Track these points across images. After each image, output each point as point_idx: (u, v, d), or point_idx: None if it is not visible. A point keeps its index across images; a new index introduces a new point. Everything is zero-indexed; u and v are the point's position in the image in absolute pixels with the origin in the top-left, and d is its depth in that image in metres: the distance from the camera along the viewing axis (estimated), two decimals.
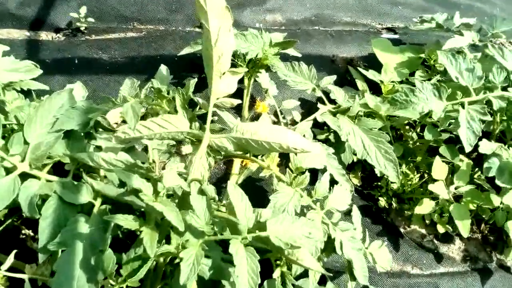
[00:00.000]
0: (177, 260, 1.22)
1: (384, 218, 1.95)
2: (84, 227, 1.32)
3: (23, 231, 1.69)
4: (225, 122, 1.54)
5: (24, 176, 1.36)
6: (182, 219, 1.18)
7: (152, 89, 1.60)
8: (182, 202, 1.27)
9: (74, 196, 1.36)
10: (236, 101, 1.35)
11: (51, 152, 1.39)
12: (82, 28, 2.36)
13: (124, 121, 1.66)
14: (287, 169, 1.48)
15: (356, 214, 1.53)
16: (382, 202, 1.94)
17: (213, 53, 1.26)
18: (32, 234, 1.68)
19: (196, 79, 1.57)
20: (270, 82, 1.90)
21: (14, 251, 1.46)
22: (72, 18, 2.36)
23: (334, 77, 2.01)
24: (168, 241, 1.24)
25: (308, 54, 2.30)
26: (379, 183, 1.99)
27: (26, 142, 1.39)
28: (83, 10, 2.32)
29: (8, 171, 1.35)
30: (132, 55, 2.22)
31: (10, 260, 1.44)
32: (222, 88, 1.30)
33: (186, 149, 1.41)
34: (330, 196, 1.44)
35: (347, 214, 1.66)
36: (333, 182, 1.61)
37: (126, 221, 1.21)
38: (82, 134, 1.46)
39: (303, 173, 1.45)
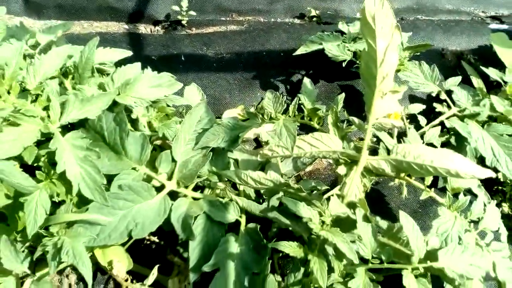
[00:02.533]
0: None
1: (508, 224, 1.89)
2: (234, 246, 1.31)
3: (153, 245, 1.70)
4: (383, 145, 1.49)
5: (171, 195, 1.35)
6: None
7: (301, 105, 1.55)
8: (342, 226, 1.24)
9: (222, 214, 1.34)
10: (399, 123, 1.30)
11: (200, 171, 1.37)
12: (183, 21, 2.32)
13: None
14: (447, 192, 1.43)
15: (503, 232, 1.48)
16: (505, 208, 1.88)
17: (378, 74, 1.21)
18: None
19: (344, 94, 1.51)
20: (396, 86, 1.83)
21: (157, 265, 1.47)
22: (172, 11, 2.32)
23: (459, 78, 1.93)
24: (329, 268, 1.22)
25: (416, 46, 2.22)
26: (501, 188, 1.92)
27: (173, 160, 1.37)
28: (185, 2, 2.28)
29: (157, 190, 1.34)
30: (237, 51, 2.17)
31: (153, 275, 1.45)
32: (383, 108, 1.25)
33: (340, 170, 1.36)
34: (484, 216, 1.39)
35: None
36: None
37: (291, 248, 1.19)
38: (226, 150, 1.43)
39: (458, 193, 1.41)
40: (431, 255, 1.17)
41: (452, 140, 1.91)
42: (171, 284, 1.45)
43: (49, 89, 1.31)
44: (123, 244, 1.49)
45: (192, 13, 2.30)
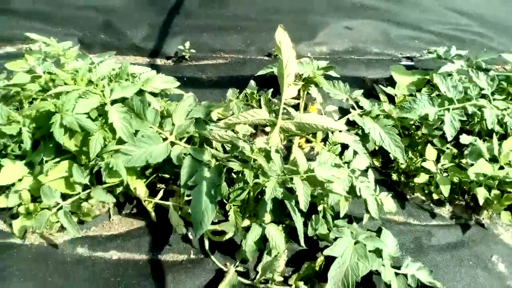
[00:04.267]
0: (263, 192, 2.14)
1: (395, 189, 2.80)
2: (207, 173, 2.24)
3: (158, 185, 2.63)
4: (289, 114, 2.45)
5: (171, 144, 2.31)
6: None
7: (246, 94, 2.55)
8: (266, 157, 2.18)
9: (201, 155, 2.29)
10: (296, 101, 2.23)
11: (188, 130, 2.34)
12: (186, 56, 3.36)
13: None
14: (327, 142, 2.39)
15: (371, 174, 2.41)
16: (394, 176, 2.80)
17: (284, 73, 2.17)
18: (164, 187, 2.62)
19: (272, 89, 2.47)
20: (318, 93, 2.82)
21: (163, 189, 2.42)
22: (179, 49, 3.37)
23: (361, 91, 2.91)
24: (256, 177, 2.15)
25: (345, 75, 3.20)
26: (392, 165, 2.85)
27: (173, 124, 2.35)
28: (187, 44, 3.32)
29: (163, 140, 2.30)
30: (222, 75, 3.17)
31: (160, 194, 2.41)
32: (289, 93, 2.21)
33: (267, 129, 2.28)
34: (354, 160, 2.33)
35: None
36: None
37: (235, 165, 2.14)
38: (204, 120, 2.41)
39: (335, 145, 2.37)
40: (312, 171, 2.10)
41: (360, 132, 2.87)
42: (171, 200, 2.38)
43: (104, 81, 2.31)
44: (143, 178, 2.45)
45: (193, 51, 3.34)
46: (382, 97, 3.08)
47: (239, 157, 2.21)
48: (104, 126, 2.24)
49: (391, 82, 3.23)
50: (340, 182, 2.14)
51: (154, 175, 2.53)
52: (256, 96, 2.55)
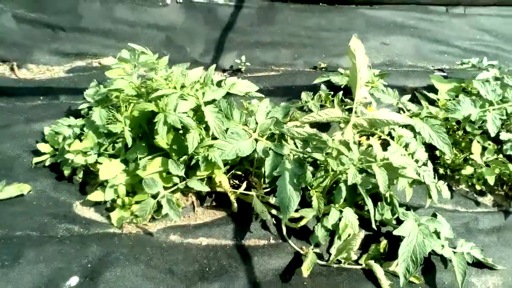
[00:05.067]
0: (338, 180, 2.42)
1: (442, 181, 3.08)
2: (288, 165, 2.50)
3: (231, 181, 2.89)
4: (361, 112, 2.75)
5: (255, 141, 2.59)
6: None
7: (319, 95, 2.86)
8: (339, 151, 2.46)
9: (281, 150, 2.56)
10: (368, 100, 2.53)
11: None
12: (242, 69, 3.66)
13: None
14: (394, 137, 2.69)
15: (430, 164, 2.68)
16: (441, 170, 3.08)
17: (358, 76, 2.47)
18: (237, 182, 2.88)
19: (342, 92, 2.77)
20: (371, 98, 3.11)
21: (245, 182, 2.69)
22: (235, 63, 3.66)
23: (408, 96, 3.20)
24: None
25: (389, 85, 3.50)
26: (438, 160, 3.14)
27: (256, 123, 2.62)
28: (243, 57, 3.62)
29: (248, 137, 2.57)
30: (277, 85, 3.47)
31: (243, 186, 2.67)
32: (361, 94, 2.50)
33: (341, 125, 2.58)
34: (416, 152, 2.61)
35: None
36: None
37: (318, 155, 2.41)
38: (282, 119, 2.69)
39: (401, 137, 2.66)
40: (387, 159, 2.38)
41: None
42: (253, 191, 2.65)
43: (197, 86, 2.59)
44: (226, 173, 2.71)
45: (248, 64, 3.64)
46: (423, 102, 3.37)
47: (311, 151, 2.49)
48: (199, 124, 2.51)
49: (428, 90, 3.54)
50: (411, 167, 2.42)
51: (231, 171, 2.80)
52: (329, 97, 2.86)
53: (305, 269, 2.37)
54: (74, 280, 2.29)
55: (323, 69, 3.81)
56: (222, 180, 2.63)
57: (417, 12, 4.43)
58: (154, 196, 2.43)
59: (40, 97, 3.26)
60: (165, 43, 3.63)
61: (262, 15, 4.18)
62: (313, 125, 2.71)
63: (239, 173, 2.85)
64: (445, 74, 3.81)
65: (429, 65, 3.97)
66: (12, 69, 3.56)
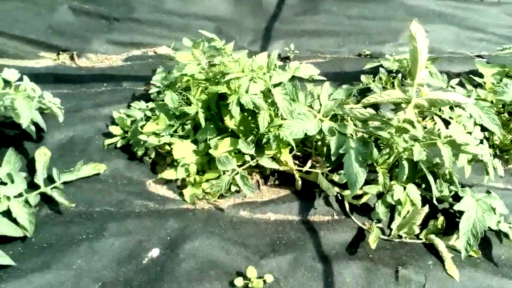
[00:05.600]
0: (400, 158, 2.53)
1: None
2: (352, 143, 2.61)
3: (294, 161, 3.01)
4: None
5: (320, 121, 2.71)
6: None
7: (380, 78, 2.97)
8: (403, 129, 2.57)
9: (344, 129, 2.67)
10: (426, 81, 2.65)
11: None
12: (291, 57, 3.77)
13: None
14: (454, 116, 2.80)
15: (485, 143, 2.80)
16: (490, 151, 3.19)
17: (419, 58, 2.58)
18: (297, 162, 3.00)
19: (400, 74, 2.88)
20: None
21: (310, 161, 2.81)
22: (283, 50, 3.78)
23: (457, 79, 3.31)
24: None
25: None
26: (488, 142, 3.24)
27: (320, 104, 2.74)
28: (292, 45, 3.74)
29: (313, 117, 2.69)
30: (326, 71, 3.56)
31: (308, 164, 2.79)
32: (421, 75, 2.61)
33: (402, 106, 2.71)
34: (474, 131, 2.73)
35: None
36: None
37: (384, 133, 2.52)
38: (343, 101, 2.81)
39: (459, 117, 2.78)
40: (450, 136, 2.49)
41: None
42: (318, 169, 2.77)
43: (264, 69, 2.71)
44: (290, 152, 2.83)
45: (296, 51, 3.75)
46: (468, 86, 3.48)
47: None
48: (269, 104, 2.63)
49: (472, 75, 3.64)
50: (473, 145, 2.53)
51: (292, 152, 2.91)
52: (390, 79, 2.98)
53: (372, 242, 2.48)
54: (155, 251, 2.41)
55: (368, 56, 3.93)
56: (288, 159, 2.75)
57: (454, 1, 4.56)
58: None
59: (104, 83, 3.39)
60: (214, 33, 3.73)
61: (307, 5, 4.32)
62: None
63: (299, 154, 2.97)
64: (485, 60, 3.91)
65: (468, 51, 4.08)
66: (72, 58, 3.69)
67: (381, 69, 3.23)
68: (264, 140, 2.62)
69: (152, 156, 2.86)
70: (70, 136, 2.95)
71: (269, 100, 2.65)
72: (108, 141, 2.93)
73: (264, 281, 2.28)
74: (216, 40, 2.76)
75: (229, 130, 2.79)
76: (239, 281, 2.26)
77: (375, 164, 2.57)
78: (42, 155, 2.64)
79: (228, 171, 2.60)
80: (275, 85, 2.64)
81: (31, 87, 2.45)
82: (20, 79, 2.46)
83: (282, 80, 2.67)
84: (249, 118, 2.75)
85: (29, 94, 2.41)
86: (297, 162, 2.97)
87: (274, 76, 2.65)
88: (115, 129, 2.93)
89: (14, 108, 2.43)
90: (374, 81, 3.05)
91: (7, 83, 2.39)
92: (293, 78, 2.76)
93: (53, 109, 2.60)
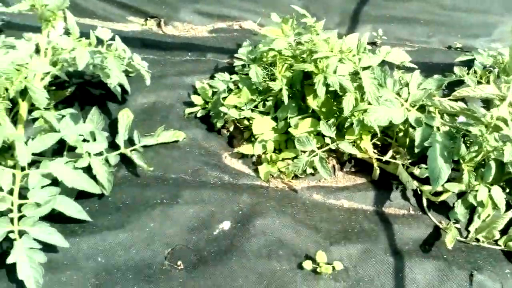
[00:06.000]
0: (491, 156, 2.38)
1: None
2: (438, 137, 2.48)
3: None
4: None
5: (406, 110, 2.59)
6: None
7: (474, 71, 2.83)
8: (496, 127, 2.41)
9: (431, 121, 2.54)
10: None
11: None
12: (378, 43, 3.65)
13: None
14: None
15: None
16: None
17: None
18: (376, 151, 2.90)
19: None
20: None
21: (391, 150, 2.70)
22: (371, 35, 3.65)
23: None
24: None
25: None
26: None
27: (408, 93, 2.62)
28: (380, 31, 3.61)
29: (400, 106, 2.58)
30: (413, 61, 3.42)
31: (390, 153, 2.69)
32: None
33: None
34: None
35: None
36: None
37: (475, 129, 2.38)
38: (432, 91, 2.67)
39: None
40: None
41: None
42: (398, 160, 2.66)
43: (353, 51, 2.61)
44: (371, 140, 2.73)
45: (384, 37, 3.62)
46: None
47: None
48: (355, 89, 2.55)
49: None
50: None
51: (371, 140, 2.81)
52: (486, 73, 2.82)
53: (449, 242, 2.36)
54: (226, 224, 2.40)
55: (458, 49, 3.74)
56: (368, 147, 2.66)
57: None
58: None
59: (188, 53, 3.39)
60: None
61: None
62: None
63: (377, 143, 2.86)
64: None
65: None
66: (159, 25, 3.73)
67: (476, 62, 3.06)
68: (347, 124, 2.54)
69: (231, 129, 2.84)
70: (153, 102, 2.97)
71: (355, 84, 2.54)
72: (188, 110, 2.93)
73: (333, 268, 2.23)
74: (307, 17, 2.68)
75: (310, 110, 2.73)
76: (307, 264, 2.22)
77: (461, 161, 2.44)
78: (125, 117, 2.66)
79: (306, 152, 2.55)
80: (364, 68, 2.55)
81: (122, 48, 2.46)
82: (112, 39, 2.48)
83: (372, 63, 2.58)
84: (332, 100, 2.67)
85: (120, 54, 2.43)
86: (375, 151, 2.87)
87: (363, 58, 2.56)
88: (196, 99, 2.93)
89: (104, 67, 2.46)
90: (468, 73, 2.88)
91: (99, 41, 2.41)
92: (382, 63, 2.65)
93: (142, 72, 2.62)
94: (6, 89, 2.12)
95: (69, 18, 2.36)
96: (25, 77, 2.11)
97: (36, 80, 2.29)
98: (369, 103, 2.50)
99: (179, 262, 2.23)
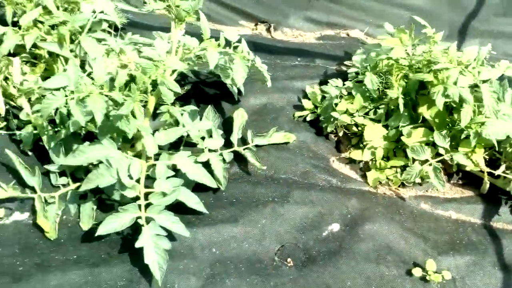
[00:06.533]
0: None
1: None
2: None
3: None
4: None
5: None
6: None
7: None
8: None
9: None
10: None
11: None
12: (486, 57, 3.57)
13: None
14: None
15: None
16: None
17: None
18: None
19: None
20: None
21: (504, 165, 2.67)
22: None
23: None
24: None
25: None
26: None
27: None
28: (489, 46, 3.53)
29: None
30: None
31: (502, 167, 2.65)
32: None
33: None
34: None
35: None
36: None
37: None
38: None
39: None
40: None
41: None
42: (510, 175, 2.61)
43: (473, 64, 2.60)
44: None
45: (493, 52, 3.53)
46: None
47: None
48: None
49: None
50: None
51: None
52: None
53: None
54: (336, 226, 2.45)
55: None
56: (479, 160, 2.63)
57: None
58: None
59: (298, 58, 3.47)
60: (409, 22, 3.65)
61: (508, 6, 4.07)
62: None
63: (486, 157, 2.82)
64: None
65: None
66: (268, 30, 3.83)
67: None
68: (463, 136, 2.52)
69: (340, 134, 2.89)
70: (264, 103, 3.07)
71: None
72: (298, 113, 3.01)
73: (442, 277, 2.22)
74: (427, 27, 2.70)
75: (420, 120, 2.73)
76: (417, 271, 2.23)
77: None
78: (240, 116, 2.76)
79: (416, 161, 2.56)
80: (484, 81, 2.53)
81: (247, 50, 2.57)
82: (238, 41, 2.59)
83: (491, 77, 2.55)
84: (446, 111, 2.67)
85: (245, 56, 2.53)
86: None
87: (483, 71, 2.55)
88: (306, 103, 3.01)
89: (226, 68, 2.56)
90: None
91: (227, 42, 2.52)
92: (501, 77, 2.62)
93: (264, 74, 2.72)
94: (143, 83, 2.25)
95: (202, 19, 2.48)
96: (163, 72, 2.24)
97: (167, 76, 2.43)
98: (487, 117, 2.48)
99: (288, 259, 2.29)
